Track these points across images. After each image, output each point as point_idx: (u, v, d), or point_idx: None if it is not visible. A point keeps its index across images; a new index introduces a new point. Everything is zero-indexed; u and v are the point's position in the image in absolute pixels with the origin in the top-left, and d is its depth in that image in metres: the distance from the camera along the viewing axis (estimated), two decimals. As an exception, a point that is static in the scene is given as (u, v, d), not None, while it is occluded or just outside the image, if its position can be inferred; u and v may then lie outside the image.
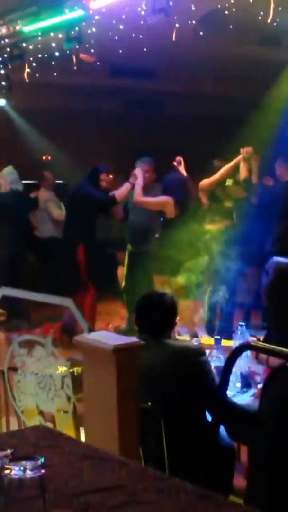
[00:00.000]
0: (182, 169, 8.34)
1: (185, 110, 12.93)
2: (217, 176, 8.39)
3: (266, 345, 3.14)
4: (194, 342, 5.44)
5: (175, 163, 8.34)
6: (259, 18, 7.91)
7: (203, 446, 3.48)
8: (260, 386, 4.04)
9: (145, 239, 8.48)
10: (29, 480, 1.73)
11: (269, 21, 7.68)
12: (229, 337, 5.28)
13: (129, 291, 8.63)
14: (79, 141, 12.44)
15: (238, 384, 4.31)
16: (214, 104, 11.65)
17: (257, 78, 10.68)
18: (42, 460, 1.78)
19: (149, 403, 3.43)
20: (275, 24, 7.90)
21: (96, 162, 9.00)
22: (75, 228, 8.69)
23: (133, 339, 3.41)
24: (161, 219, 8.31)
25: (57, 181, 10.89)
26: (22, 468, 1.74)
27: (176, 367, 3.67)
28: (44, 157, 13.29)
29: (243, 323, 4.86)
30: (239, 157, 8.30)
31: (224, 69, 10.68)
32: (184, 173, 8.28)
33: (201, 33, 8.86)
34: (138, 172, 8.34)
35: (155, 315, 3.86)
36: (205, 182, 8.36)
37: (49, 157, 13.26)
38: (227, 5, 7.84)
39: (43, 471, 1.75)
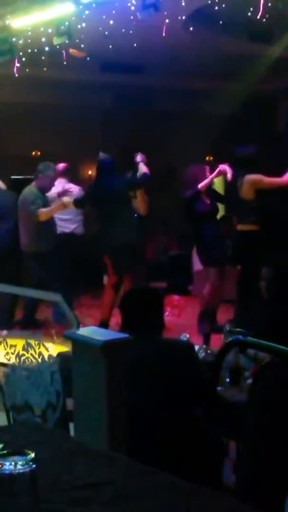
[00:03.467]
0: (142, 166, 8.34)
1: (174, 106, 12.92)
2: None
3: (256, 341, 3.15)
4: (182, 338, 5.45)
5: (137, 160, 8.34)
6: (249, 14, 7.92)
7: (192, 441, 3.48)
8: (249, 381, 4.05)
9: None
10: (20, 475, 1.74)
11: (258, 17, 7.71)
12: None
13: None
14: (68, 136, 12.38)
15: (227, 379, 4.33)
16: (203, 100, 11.63)
17: (247, 74, 10.71)
18: (32, 455, 1.78)
19: (139, 399, 3.43)
20: (264, 20, 7.92)
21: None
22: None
23: (123, 334, 3.41)
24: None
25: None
26: (12, 463, 1.75)
27: (166, 362, 3.67)
28: (33, 153, 13.22)
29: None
30: (216, 172, 8.15)
31: (214, 65, 10.67)
32: (145, 169, 8.29)
33: (191, 28, 8.85)
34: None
35: (144, 310, 3.86)
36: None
37: (38, 153, 13.19)
38: (217, 0, 7.85)
39: (33, 466, 1.76)
